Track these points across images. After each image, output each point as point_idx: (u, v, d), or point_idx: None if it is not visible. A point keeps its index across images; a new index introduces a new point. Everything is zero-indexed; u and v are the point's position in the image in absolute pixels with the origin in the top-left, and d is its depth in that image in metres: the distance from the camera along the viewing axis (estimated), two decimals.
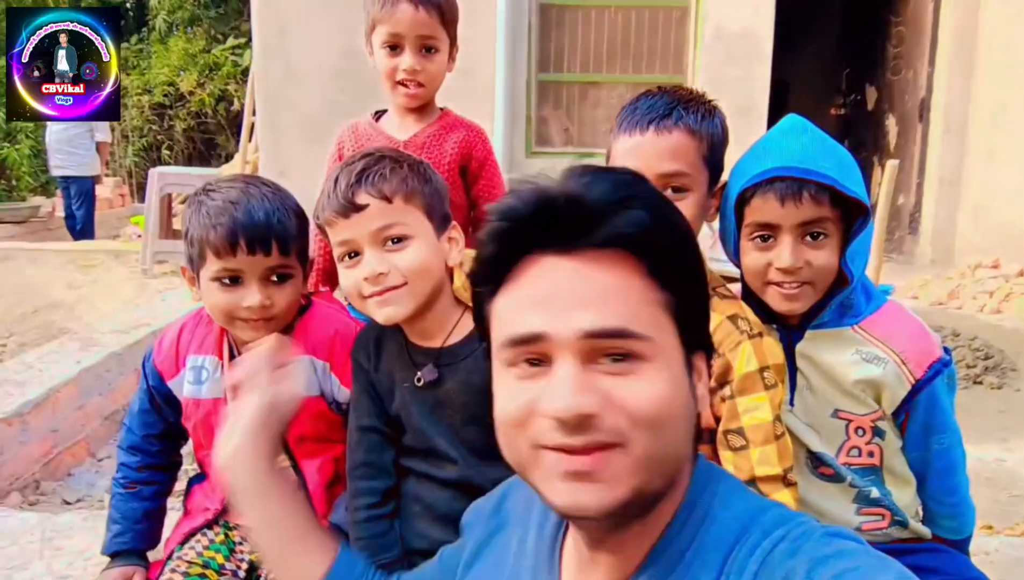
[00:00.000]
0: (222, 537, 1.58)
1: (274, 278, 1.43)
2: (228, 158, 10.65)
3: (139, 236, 6.83)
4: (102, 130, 7.46)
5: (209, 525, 1.59)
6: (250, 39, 10.28)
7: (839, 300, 1.35)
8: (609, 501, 0.69)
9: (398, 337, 1.42)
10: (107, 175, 8.83)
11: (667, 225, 0.75)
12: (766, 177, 1.28)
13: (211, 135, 11.44)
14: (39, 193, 9.92)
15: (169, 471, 1.69)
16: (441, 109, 1.93)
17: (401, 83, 1.80)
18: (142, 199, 9.50)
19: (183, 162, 11.07)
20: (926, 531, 1.44)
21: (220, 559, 1.55)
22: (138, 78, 11.02)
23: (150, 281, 5.41)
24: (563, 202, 0.72)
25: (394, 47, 1.78)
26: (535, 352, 0.72)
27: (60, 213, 8.02)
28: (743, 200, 1.33)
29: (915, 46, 6.13)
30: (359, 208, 1.27)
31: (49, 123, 7.27)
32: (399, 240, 1.29)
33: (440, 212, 1.35)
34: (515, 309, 0.74)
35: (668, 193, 1.35)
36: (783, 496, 1.32)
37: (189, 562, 1.53)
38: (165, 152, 11.11)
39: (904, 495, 1.42)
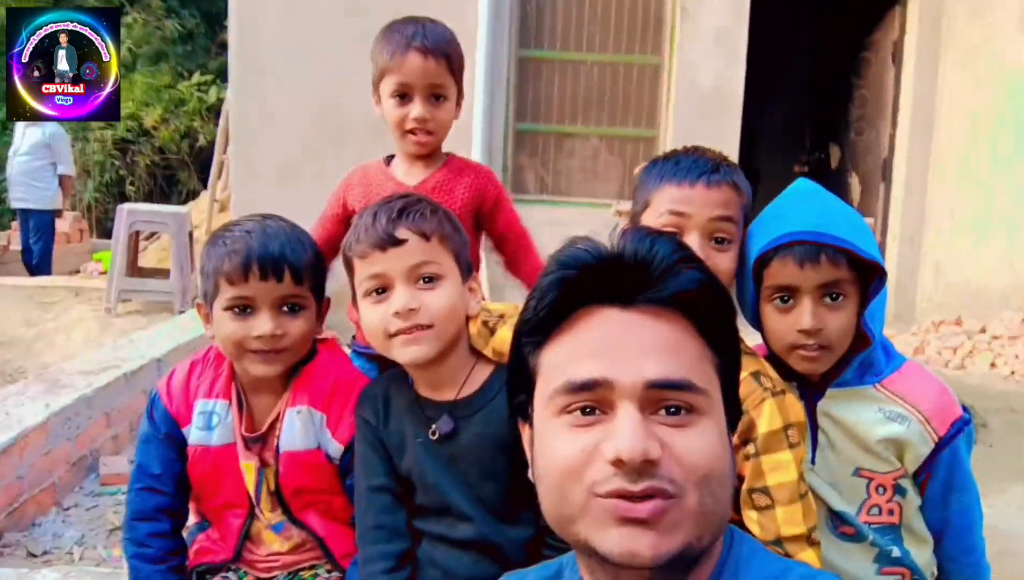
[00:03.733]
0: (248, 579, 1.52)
1: (286, 308, 1.42)
2: (191, 195, 10.53)
3: (101, 273, 6.67)
4: (65, 163, 7.31)
5: (225, 569, 1.54)
6: (217, 76, 10.30)
7: (860, 359, 1.37)
8: (663, 550, 0.69)
9: (407, 391, 1.40)
10: (68, 209, 8.60)
11: (717, 288, 0.79)
12: (784, 241, 1.31)
13: (173, 171, 11.32)
14: None
15: (182, 536, 1.58)
16: (447, 154, 1.94)
17: (411, 131, 1.80)
18: (102, 235, 9.33)
19: (144, 198, 10.89)
20: None
21: None
22: None
23: (114, 320, 5.26)
24: (630, 258, 0.75)
25: (403, 96, 1.78)
26: (593, 399, 0.72)
27: (16, 247, 7.78)
28: (761, 263, 1.35)
29: (877, 109, 6.37)
30: (398, 242, 1.29)
31: (12, 155, 7.11)
32: (431, 279, 1.31)
33: (466, 260, 1.38)
34: (573, 357, 0.75)
35: (711, 245, 1.37)
36: (808, 556, 1.31)
37: None
38: (129, 188, 10.92)
39: (922, 554, 1.42)
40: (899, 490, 1.39)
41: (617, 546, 0.70)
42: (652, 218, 1.42)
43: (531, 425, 0.80)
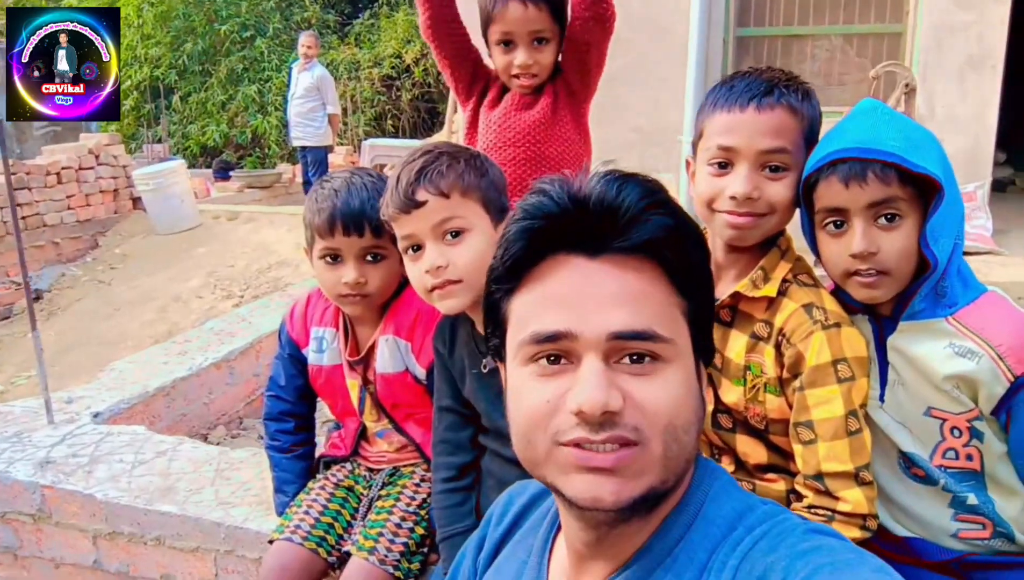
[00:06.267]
0: (360, 470, 1.80)
1: (369, 258, 1.58)
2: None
3: None
4: (333, 103, 8.16)
5: (346, 461, 1.82)
6: None
7: (928, 286, 1.25)
8: (626, 496, 0.71)
9: (467, 326, 1.49)
10: (339, 144, 9.65)
11: (689, 232, 0.76)
12: (828, 160, 1.21)
13: (433, 104, 12.11)
14: (287, 161, 11.13)
15: (313, 431, 1.88)
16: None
17: (516, 76, 1.88)
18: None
19: (409, 130, 11.81)
20: None
21: (360, 488, 1.78)
22: (369, 51, 11.89)
23: None
24: (596, 205, 0.73)
25: (508, 43, 1.85)
26: (558, 350, 0.73)
27: (299, 179, 8.94)
28: (810, 188, 1.27)
29: None
30: (419, 204, 1.33)
31: (290, 98, 8.09)
32: (457, 233, 1.34)
33: (497, 204, 1.38)
34: (539, 307, 0.75)
35: (766, 173, 1.32)
36: (853, 495, 1.26)
37: (335, 483, 1.76)
38: (391, 122, 11.93)
39: (1011, 506, 1.29)
40: (975, 433, 1.26)
41: (581, 492, 0.71)
42: (702, 150, 1.38)
43: (505, 367, 0.81)
